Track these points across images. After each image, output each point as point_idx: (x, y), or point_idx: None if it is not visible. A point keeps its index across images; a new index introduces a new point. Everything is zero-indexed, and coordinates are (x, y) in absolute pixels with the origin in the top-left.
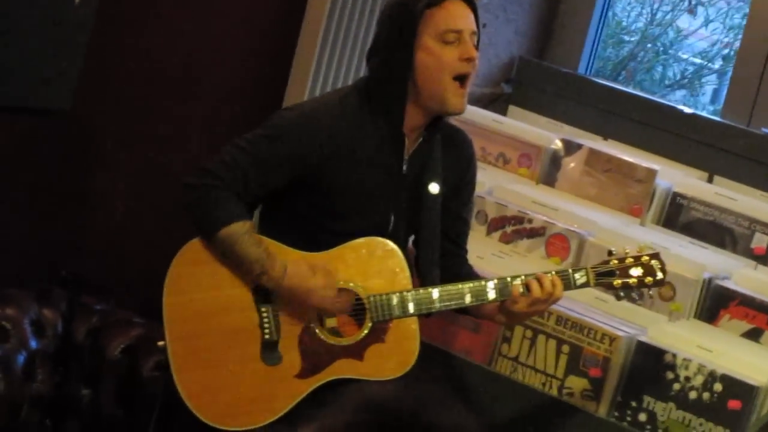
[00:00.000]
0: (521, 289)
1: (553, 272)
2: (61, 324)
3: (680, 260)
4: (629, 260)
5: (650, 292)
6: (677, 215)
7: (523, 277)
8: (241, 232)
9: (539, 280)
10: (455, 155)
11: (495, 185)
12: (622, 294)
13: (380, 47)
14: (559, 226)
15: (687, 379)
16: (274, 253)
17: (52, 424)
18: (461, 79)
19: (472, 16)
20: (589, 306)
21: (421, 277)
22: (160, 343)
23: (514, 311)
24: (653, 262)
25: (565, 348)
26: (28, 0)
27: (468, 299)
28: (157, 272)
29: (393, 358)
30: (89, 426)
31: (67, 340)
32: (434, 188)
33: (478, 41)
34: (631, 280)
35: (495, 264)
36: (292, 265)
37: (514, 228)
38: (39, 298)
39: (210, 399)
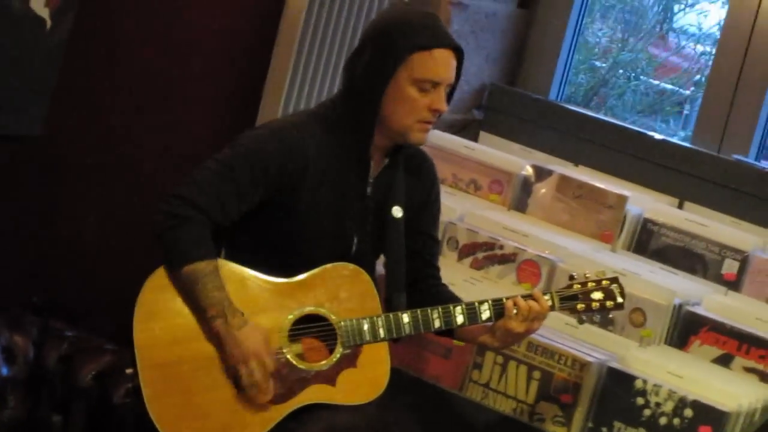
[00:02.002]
0: (513, 308)
1: (520, 296)
2: (32, 350)
3: (651, 286)
4: (591, 284)
5: (610, 316)
6: (648, 241)
7: (489, 302)
8: (205, 272)
9: (525, 299)
10: (417, 176)
11: (466, 211)
12: (584, 318)
13: (359, 66)
14: (530, 252)
15: (657, 404)
16: (239, 294)
17: None
18: (426, 122)
19: (454, 66)
20: (559, 332)
21: (388, 301)
22: (129, 370)
23: (510, 328)
24: (613, 286)
25: (536, 374)
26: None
27: (437, 323)
28: (128, 298)
29: (365, 383)
30: None
31: (39, 367)
32: (397, 212)
33: (454, 89)
34: (593, 304)
35: (466, 290)
36: (252, 326)
37: (485, 254)
38: (10, 324)
39: (183, 426)
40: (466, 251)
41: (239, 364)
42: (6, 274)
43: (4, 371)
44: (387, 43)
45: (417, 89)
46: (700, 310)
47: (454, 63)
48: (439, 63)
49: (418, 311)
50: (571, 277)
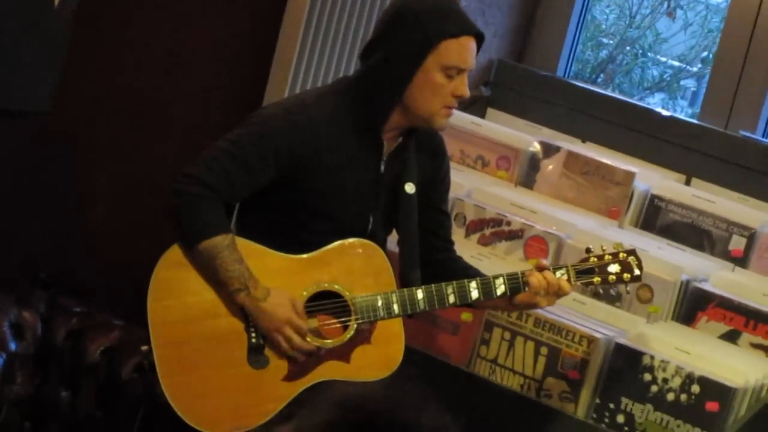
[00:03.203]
0: (539, 283)
1: (535, 270)
2: (40, 326)
3: (658, 262)
4: (607, 257)
5: (627, 288)
6: (655, 217)
7: (504, 276)
8: (223, 245)
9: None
10: (428, 152)
11: (473, 188)
12: (600, 290)
13: (383, 51)
14: (538, 228)
15: (665, 380)
16: (255, 269)
17: (32, 427)
18: (450, 107)
19: (475, 53)
20: (567, 308)
21: (402, 277)
22: (144, 347)
23: (535, 303)
24: (630, 258)
25: (544, 350)
26: (7, 4)
27: (452, 299)
28: (136, 274)
29: (379, 360)
30: (69, 428)
31: (47, 343)
32: (410, 188)
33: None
34: (610, 277)
35: (474, 266)
36: (276, 292)
37: (492, 230)
38: (18, 301)
39: (197, 403)
40: (473, 227)
41: (274, 333)
42: (14, 249)
43: (13, 347)
44: (415, 29)
45: (444, 75)
46: (707, 287)
47: (475, 49)
48: (466, 50)
49: (433, 287)
50: (588, 251)
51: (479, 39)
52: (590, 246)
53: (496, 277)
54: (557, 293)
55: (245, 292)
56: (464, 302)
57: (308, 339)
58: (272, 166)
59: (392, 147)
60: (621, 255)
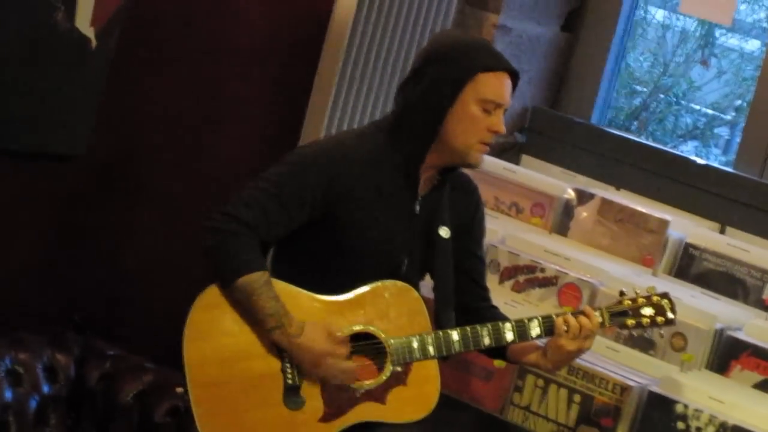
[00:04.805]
0: (563, 325)
1: (570, 313)
2: (73, 368)
3: (692, 311)
4: (641, 300)
5: (661, 332)
6: (689, 266)
7: (539, 318)
8: (260, 283)
9: (576, 316)
10: (462, 199)
11: (508, 234)
12: (634, 333)
13: (421, 85)
14: (572, 275)
15: (698, 429)
16: (290, 311)
17: None
18: (485, 143)
19: (511, 91)
20: (600, 355)
21: (437, 318)
22: (179, 389)
23: (561, 346)
24: (664, 302)
25: (577, 397)
26: (46, 47)
27: (487, 340)
28: (170, 317)
29: (414, 401)
30: None
31: (80, 385)
32: (445, 233)
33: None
34: (644, 320)
35: (508, 313)
36: (311, 326)
37: (526, 277)
38: (52, 343)
39: None
40: (507, 274)
41: (315, 369)
42: (48, 292)
43: (46, 389)
44: (453, 61)
45: (481, 109)
46: (741, 335)
47: (511, 87)
48: (503, 85)
49: (468, 328)
50: (621, 293)
51: (514, 78)
52: (623, 289)
53: (530, 319)
54: (586, 335)
55: (281, 329)
56: (499, 344)
57: (345, 375)
58: (308, 204)
59: (428, 188)
60: (654, 298)
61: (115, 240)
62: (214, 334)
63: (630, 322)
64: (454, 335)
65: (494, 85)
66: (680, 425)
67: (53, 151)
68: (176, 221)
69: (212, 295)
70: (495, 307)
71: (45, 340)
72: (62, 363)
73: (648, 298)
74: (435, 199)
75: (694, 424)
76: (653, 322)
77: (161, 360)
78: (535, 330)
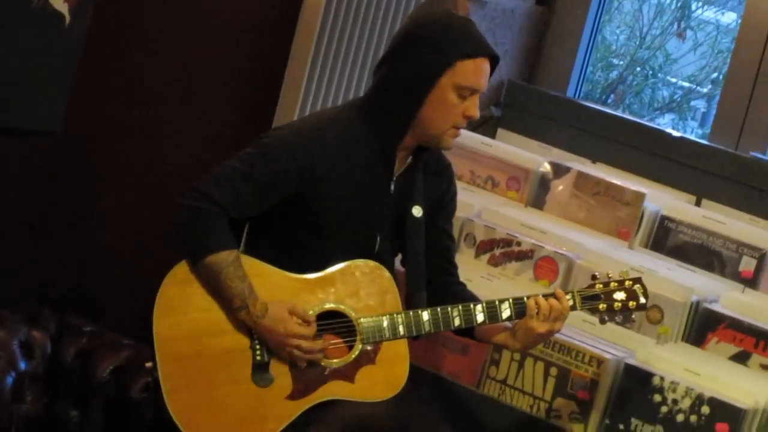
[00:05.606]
0: (534, 307)
1: (541, 295)
2: (50, 345)
3: (668, 283)
4: (613, 285)
5: (633, 316)
6: (665, 238)
7: (510, 300)
8: (227, 261)
9: (546, 298)
10: (435, 176)
11: (483, 208)
12: (606, 318)
13: (398, 67)
14: (548, 248)
15: (675, 401)
16: (255, 291)
17: None
18: (458, 128)
19: (489, 75)
20: (576, 329)
21: (408, 299)
22: (148, 364)
23: (531, 328)
24: (636, 286)
25: (553, 370)
26: (19, 23)
27: (457, 321)
28: (146, 293)
29: (383, 380)
30: None
31: (56, 362)
32: (417, 212)
33: None
34: (615, 304)
35: (483, 286)
36: (273, 306)
37: (502, 251)
38: (28, 320)
39: (201, 421)
40: (483, 248)
41: (280, 349)
42: (24, 268)
43: (22, 366)
44: (434, 46)
45: (457, 95)
46: (717, 308)
47: (489, 71)
48: (481, 72)
49: (438, 309)
50: (594, 277)
51: (494, 61)
52: (596, 273)
53: (501, 300)
54: (556, 317)
55: (245, 310)
56: (469, 325)
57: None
58: (281, 185)
59: (402, 168)
60: (627, 282)
61: (91, 216)
62: (185, 309)
63: (602, 306)
64: (425, 315)
65: (473, 72)
66: (657, 397)
67: (28, 128)
68: (151, 198)
69: (183, 271)
70: (462, 284)
71: (21, 318)
72: (38, 340)
73: (621, 282)
74: (409, 179)
75: (670, 396)
76: (625, 307)
77: (137, 336)
78: (506, 312)
